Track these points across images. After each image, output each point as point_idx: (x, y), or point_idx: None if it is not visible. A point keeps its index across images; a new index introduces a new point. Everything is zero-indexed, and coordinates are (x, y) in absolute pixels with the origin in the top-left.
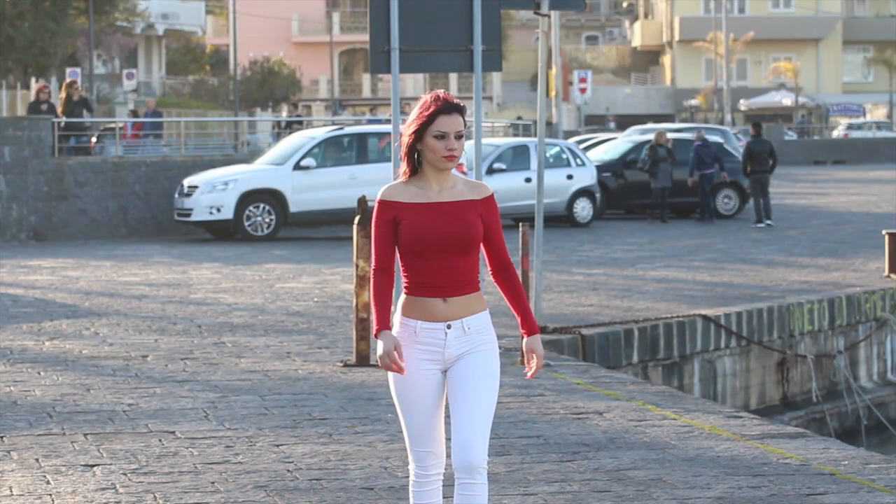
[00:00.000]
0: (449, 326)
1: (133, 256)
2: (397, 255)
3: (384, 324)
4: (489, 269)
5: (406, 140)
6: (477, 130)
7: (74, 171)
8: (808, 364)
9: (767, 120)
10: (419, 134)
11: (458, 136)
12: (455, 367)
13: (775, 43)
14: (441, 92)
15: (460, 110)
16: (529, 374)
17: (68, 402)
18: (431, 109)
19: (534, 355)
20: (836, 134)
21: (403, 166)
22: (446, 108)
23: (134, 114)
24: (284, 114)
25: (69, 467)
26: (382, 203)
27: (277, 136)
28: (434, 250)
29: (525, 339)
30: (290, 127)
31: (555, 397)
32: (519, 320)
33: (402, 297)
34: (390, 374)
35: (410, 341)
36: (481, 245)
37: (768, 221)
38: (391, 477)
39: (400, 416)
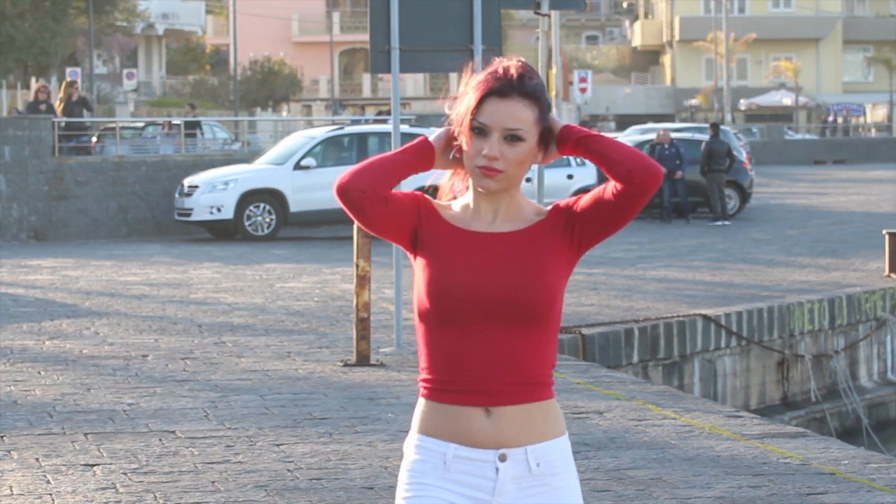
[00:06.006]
0: (503, 458)
1: (133, 256)
2: (416, 321)
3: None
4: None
5: (460, 136)
6: None
7: (74, 170)
8: (807, 364)
9: (768, 119)
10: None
11: (512, 137)
12: None
13: (775, 43)
14: (513, 62)
15: (528, 93)
16: None
17: (68, 401)
18: (481, 89)
19: None
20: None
21: (449, 179)
22: (502, 86)
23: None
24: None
25: (69, 467)
26: (418, 196)
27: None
28: (469, 315)
29: None
30: (198, 127)
31: (555, 397)
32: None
33: (420, 402)
34: None
35: (437, 477)
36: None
37: (726, 222)
38: (391, 476)
39: None
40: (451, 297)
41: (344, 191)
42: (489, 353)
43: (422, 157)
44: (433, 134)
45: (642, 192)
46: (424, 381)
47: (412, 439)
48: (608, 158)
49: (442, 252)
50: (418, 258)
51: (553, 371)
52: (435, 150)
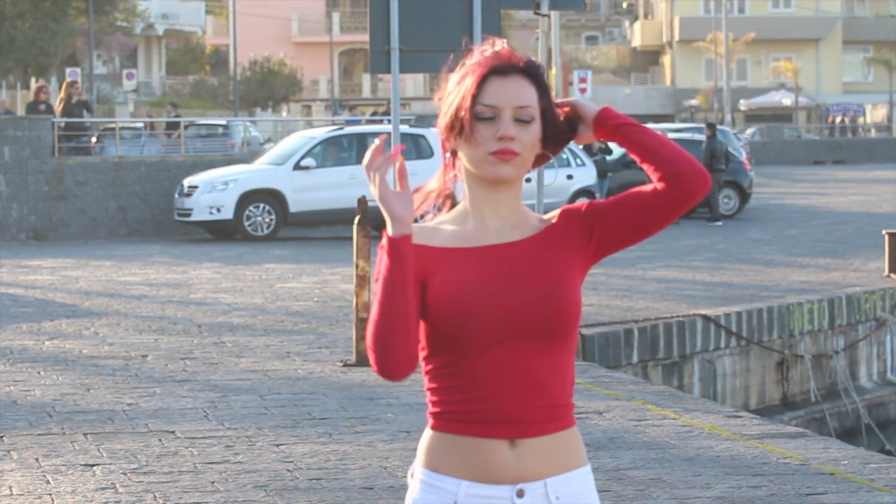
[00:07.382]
0: (520, 493)
1: (133, 256)
2: (422, 354)
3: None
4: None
5: (448, 137)
6: None
7: (74, 171)
8: (807, 364)
9: (767, 120)
10: (459, 123)
11: (523, 119)
12: None
13: (775, 43)
14: (496, 44)
15: (529, 72)
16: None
17: (68, 401)
18: (479, 70)
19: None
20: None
21: (438, 191)
22: (501, 64)
23: None
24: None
25: (69, 467)
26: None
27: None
28: (489, 335)
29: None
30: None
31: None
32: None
33: (428, 434)
34: None
35: None
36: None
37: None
38: (391, 477)
39: None
40: (468, 317)
41: (394, 379)
42: (514, 376)
43: (404, 254)
44: (389, 225)
45: (688, 199)
46: (436, 413)
47: (417, 473)
48: (655, 153)
49: (450, 272)
50: (428, 287)
51: (572, 387)
52: (407, 231)
